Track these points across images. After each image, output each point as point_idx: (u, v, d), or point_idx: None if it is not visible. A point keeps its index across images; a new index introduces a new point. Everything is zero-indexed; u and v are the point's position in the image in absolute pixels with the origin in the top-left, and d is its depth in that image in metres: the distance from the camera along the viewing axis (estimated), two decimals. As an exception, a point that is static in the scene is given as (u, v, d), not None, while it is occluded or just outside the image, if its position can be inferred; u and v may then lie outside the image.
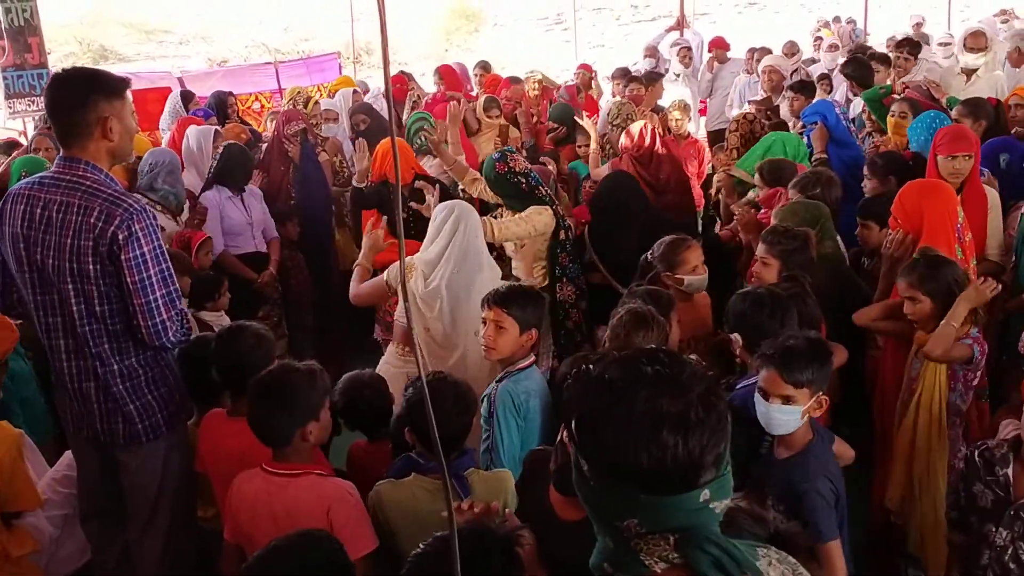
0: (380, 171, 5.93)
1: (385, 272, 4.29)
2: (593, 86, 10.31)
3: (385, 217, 5.17)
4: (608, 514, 1.38)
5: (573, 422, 1.39)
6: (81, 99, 3.04)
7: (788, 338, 2.91)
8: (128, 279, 3.01)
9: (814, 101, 6.65)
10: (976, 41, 7.23)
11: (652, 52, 11.24)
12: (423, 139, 6.31)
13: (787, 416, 2.84)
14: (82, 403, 3.25)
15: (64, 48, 21.64)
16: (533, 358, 3.54)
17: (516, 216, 4.83)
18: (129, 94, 3.20)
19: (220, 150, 6.20)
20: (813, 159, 5.74)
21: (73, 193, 3.03)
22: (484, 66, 10.10)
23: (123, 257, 2.98)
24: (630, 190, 5.41)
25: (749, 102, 8.31)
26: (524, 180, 4.84)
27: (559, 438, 2.49)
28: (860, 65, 7.73)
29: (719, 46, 10.96)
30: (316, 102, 8.22)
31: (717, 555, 1.32)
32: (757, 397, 2.89)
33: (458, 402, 2.97)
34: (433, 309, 4.05)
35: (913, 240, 4.01)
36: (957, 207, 4.07)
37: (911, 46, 7.82)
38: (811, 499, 2.78)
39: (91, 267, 3.02)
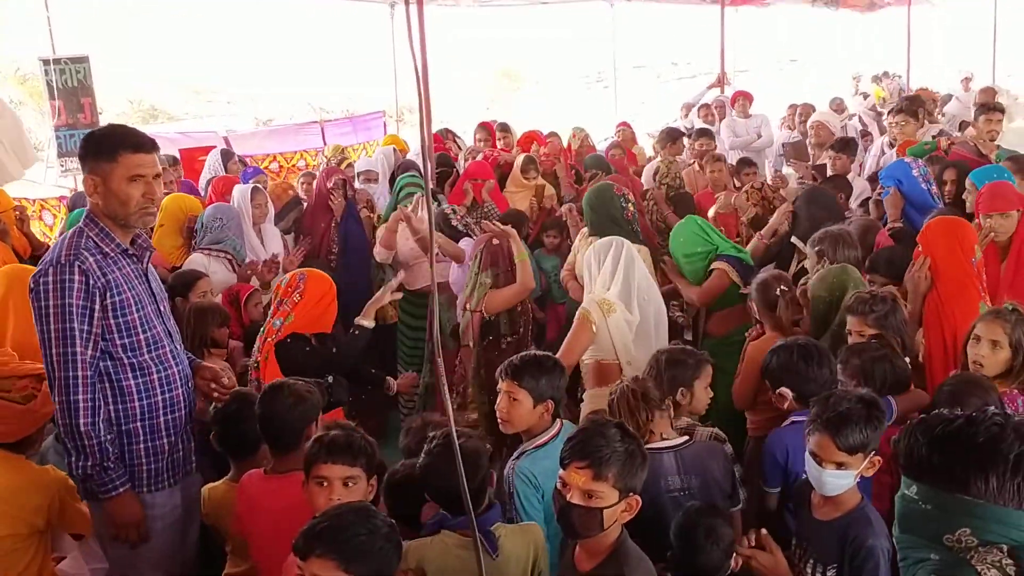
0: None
1: (585, 318, 4.23)
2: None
3: None
4: (940, 529, 1.43)
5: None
6: (80, 157, 3.23)
7: (841, 400, 2.77)
8: None
9: (890, 163, 6.31)
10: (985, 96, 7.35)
11: (689, 110, 11.21)
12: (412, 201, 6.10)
13: (841, 480, 2.76)
14: None
15: (115, 107, 22.22)
16: (557, 428, 3.34)
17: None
18: (131, 157, 3.11)
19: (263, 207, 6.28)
20: (887, 228, 5.46)
21: None
22: (504, 127, 9.41)
23: None
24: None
25: (809, 166, 8.10)
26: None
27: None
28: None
29: (746, 97, 10.78)
30: (350, 163, 8.20)
31: None
32: (809, 459, 2.80)
33: (466, 466, 2.92)
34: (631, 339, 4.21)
35: (931, 267, 4.06)
36: (974, 244, 4.12)
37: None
38: (876, 555, 2.70)
39: None
